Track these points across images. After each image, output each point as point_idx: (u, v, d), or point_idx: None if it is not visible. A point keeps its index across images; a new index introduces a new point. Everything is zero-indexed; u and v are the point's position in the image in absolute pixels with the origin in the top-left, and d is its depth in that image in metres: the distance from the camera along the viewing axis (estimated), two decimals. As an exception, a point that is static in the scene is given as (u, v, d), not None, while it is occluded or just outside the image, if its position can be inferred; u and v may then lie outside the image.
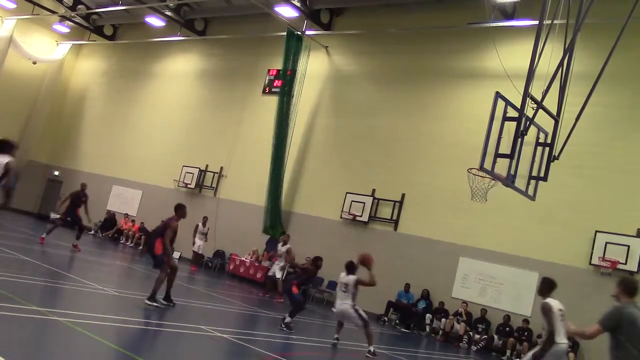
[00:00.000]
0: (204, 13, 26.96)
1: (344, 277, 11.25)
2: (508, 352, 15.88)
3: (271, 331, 12.38)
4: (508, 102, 10.38)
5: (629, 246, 15.41)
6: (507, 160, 10.46)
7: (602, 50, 12.36)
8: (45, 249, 16.63)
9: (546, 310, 8.28)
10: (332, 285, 20.11)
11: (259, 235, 22.21)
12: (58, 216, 28.46)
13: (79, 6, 29.70)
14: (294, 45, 22.78)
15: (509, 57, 16.27)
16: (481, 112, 12.87)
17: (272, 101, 23.13)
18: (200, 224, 21.63)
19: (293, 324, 12.01)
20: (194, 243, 21.19)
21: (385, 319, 18.21)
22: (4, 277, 10.39)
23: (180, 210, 11.43)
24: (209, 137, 25.86)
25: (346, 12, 23.15)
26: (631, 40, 13.12)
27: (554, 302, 8.46)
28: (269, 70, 24.58)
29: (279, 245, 18.90)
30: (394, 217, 19.71)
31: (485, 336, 16.54)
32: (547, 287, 8.85)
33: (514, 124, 10.28)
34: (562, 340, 8.14)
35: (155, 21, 27.05)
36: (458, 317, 17.12)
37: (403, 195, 19.75)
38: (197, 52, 27.93)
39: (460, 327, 16.88)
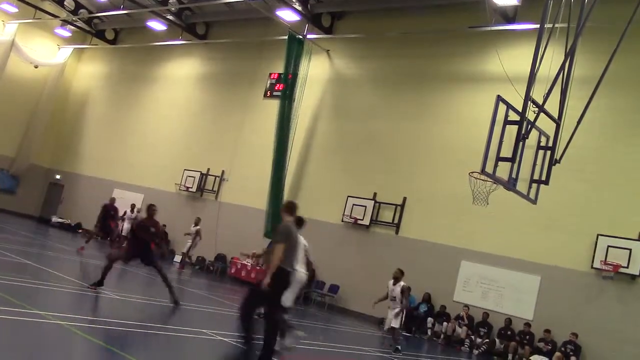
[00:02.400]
0: (205, 17, 27.00)
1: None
2: (510, 356, 15.85)
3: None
4: (509, 106, 10.38)
5: (630, 250, 15.39)
6: (508, 164, 10.46)
7: (603, 54, 12.35)
8: (45, 253, 16.64)
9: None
10: (334, 289, 20.11)
11: (260, 239, 22.18)
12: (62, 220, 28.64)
13: (81, 10, 29.77)
14: (295, 49, 22.79)
15: (510, 61, 16.27)
16: (482, 115, 12.87)
17: (274, 105, 23.13)
18: (128, 211, 23.10)
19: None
20: (122, 227, 22.77)
21: (387, 322, 18.18)
22: (5, 281, 10.39)
23: None
24: (210, 140, 25.87)
25: (347, 16, 23.18)
26: (632, 44, 13.12)
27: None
28: (270, 74, 24.60)
29: (192, 226, 22.14)
30: (396, 221, 19.70)
31: (487, 340, 16.51)
32: (298, 223, 9.67)
33: (515, 127, 10.29)
34: (300, 269, 9.60)
35: (156, 25, 27.10)
36: (459, 321, 17.09)
37: (404, 199, 19.75)
38: (198, 56, 27.97)
39: (461, 331, 16.85)
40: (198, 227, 22.39)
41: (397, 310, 12.95)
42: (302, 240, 9.55)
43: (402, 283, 13.08)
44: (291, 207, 8.48)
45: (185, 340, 9.18)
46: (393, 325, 12.97)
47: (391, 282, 13.14)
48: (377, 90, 21.68)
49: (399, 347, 13.02)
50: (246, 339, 7.87)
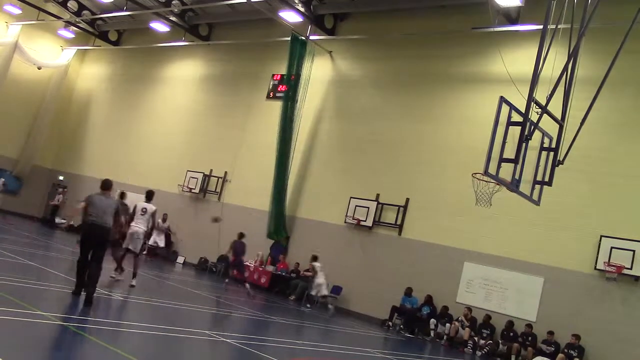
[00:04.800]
0: (208, 18, 27.02)
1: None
2: (513, 358, 15.81)
3: (276, 336, 12.38)
4: (512, 107, 10.37)
5: (634, 251, 15.34)
6: (511, 165, 10.44)
7: (606, 54, 12.34)
8: (49, 254, 16.65)
9: (132, 209, 13.48)
10: (337, 290, 20.10)
11: (263, 240, 22.22)
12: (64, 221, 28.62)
13: (84, 12, 29.82)
14: (298, 50, 22.79)
15: (513, 62, 16.27)
16: (485, 116, 12.87)
17: (277, 106, 23.15)
18: None
19: None
20: None
21: (390, 323, 18.17)
22: (9, 282, 10.41)
23: None
24: (213, 142, 25.89)
25: (350, 17, 23.17)
26: (635, 44, 13.09)
27: (139, 204, 13.56)
28: (273, 75, 24.62)
29: (160, 220, 22.59)
30: (399, 222, 19.68)
31: (490, 341, 16.48)
32: (147, 196, 13.81)
33: (518, 128, 10.27)
34: (135, 225, 13.33)
35: (159, 26, 27.13)
36: (461, 322, 17.03)
37: (407, 200, 19.73)
38: (201, 57, 28.00)
39: (464, 333, 16.82)
40: (168, 223, 23.52)
41: (321, 281, 18.48)
42: (146, 205, 13.54)
43: (318, 264, 18.58)
44: (102, 184, 11.01)
45: (188, 342, 9.19)
46: (325, 293, 18.69)
47: (314, 264, 18.69)
48: (380, 91, 21.68)
49: (331, 307, 18.39)
50: (80, 285, 10.18)
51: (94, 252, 10.24)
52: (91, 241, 10.32)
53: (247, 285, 18.15)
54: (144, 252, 22.19)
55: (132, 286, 13.19)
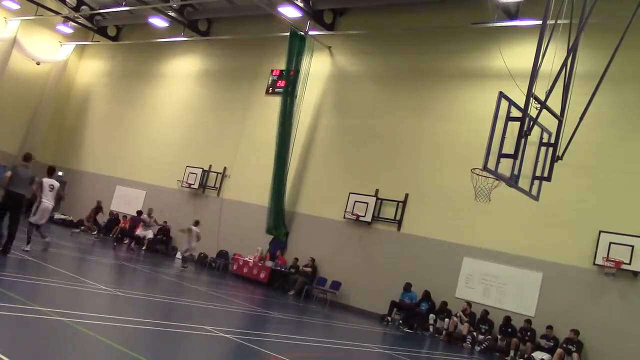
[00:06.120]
0: (207, 13, 26.97)
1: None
2: (512, 353, 15.84)
3: (275, 331, 12.38)
4: (511, 102, 10.35)
5: (633, 246, 15.36)
6: (510, 160, 10.44)
7: (606, 49, 12.32)
8: (47, 249, 16.62)
9: (39, 186, 13.72)
10: (336, 285, 20.13)
11: (263, 236, 22.23)
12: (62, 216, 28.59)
13: (83, 7, 29.76)
14: (297, 45, 22.78)
15: (513, 57, 16.24)
16: (484, 112, 12.84)
17: (276, 101, 23.13)
18: None
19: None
20: None
21: (389, 319, 18.19)
22: (6, 277, 10.40)
23: None
24: (212, 137, 25.88)
25: (349, 12, 23.14)
26: (635, 39, 13.07)
27: (46, 180, 13.97)
28: (272, 71, 24.59)
29: (145, 215, 23.67)
30: (398, 217, 19.69)
31: (489, 336, 16.50)
32: (49, 172, 14.29)
33: (517, 123, 10.26)
34: (46, 200, 13.92)
35: (158, 22, 27.08)
36: (459, 317, 17.04)
37: (406, 196, 19.73)
38: (200, 52, 27.96)
39: (463, 328, 16.85)
40: (153, 217, 23.86)
41: (194, 245, 20.81)
42: (53, 182, 14.06)
43: (197, 228, 20.71)
44: (24, 156, 13.02)
45: (186, 337, 9.19)
46: (194, 255, 22.13)
47: (192, 227, 20.70)
48: (379, 86, 21.66)
49: (186, 266, 20.79)
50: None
51: (11, 215, 12.28)
52: (9, 206, 12.30)
53: (138, 249, 22.63)
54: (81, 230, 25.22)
55: (26, 251, 13.47)
